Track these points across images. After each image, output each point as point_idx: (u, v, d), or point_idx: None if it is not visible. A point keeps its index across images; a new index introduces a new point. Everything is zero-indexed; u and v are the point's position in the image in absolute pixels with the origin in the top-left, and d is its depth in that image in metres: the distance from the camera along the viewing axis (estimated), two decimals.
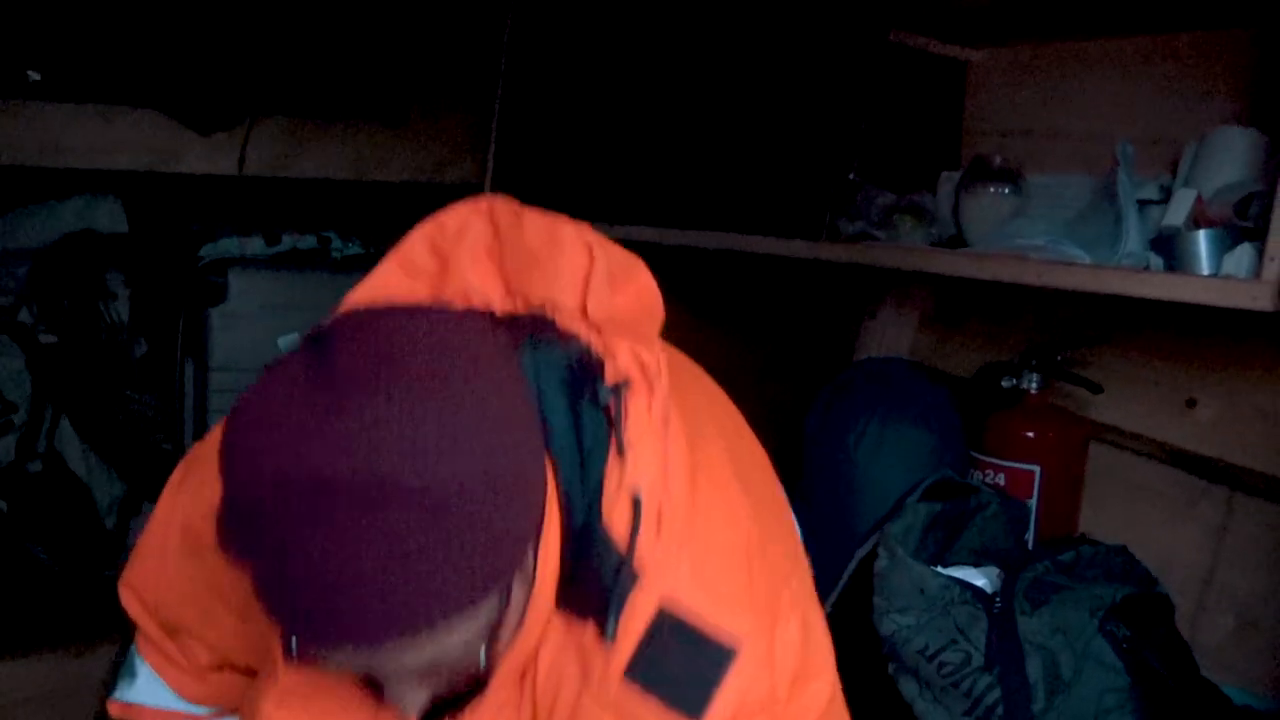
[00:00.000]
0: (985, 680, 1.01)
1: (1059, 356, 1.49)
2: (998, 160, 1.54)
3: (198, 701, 1.07)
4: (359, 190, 2.06)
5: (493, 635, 0.69)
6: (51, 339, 1.98)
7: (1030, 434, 1.45)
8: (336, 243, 2.13)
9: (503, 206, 0.77)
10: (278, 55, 1.84)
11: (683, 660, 0.72)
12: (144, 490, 1.97)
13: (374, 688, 0.76)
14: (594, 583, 0.73)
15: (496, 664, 0.73)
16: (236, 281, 1.93)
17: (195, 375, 1.97)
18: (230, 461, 0.63)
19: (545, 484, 0.71)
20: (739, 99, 1.67)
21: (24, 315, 1.97)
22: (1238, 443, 1.32)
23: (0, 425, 1.90)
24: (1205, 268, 1.20)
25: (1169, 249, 1.27)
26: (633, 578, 0.72)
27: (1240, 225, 1.20)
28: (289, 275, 1.98)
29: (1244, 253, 1.16)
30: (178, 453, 2.00)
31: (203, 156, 1.89)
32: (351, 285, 0.81)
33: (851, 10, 1.59)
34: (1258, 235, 1.14)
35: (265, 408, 0.62)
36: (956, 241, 1.57)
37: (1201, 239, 1.20)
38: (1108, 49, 1.49)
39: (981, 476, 1.46)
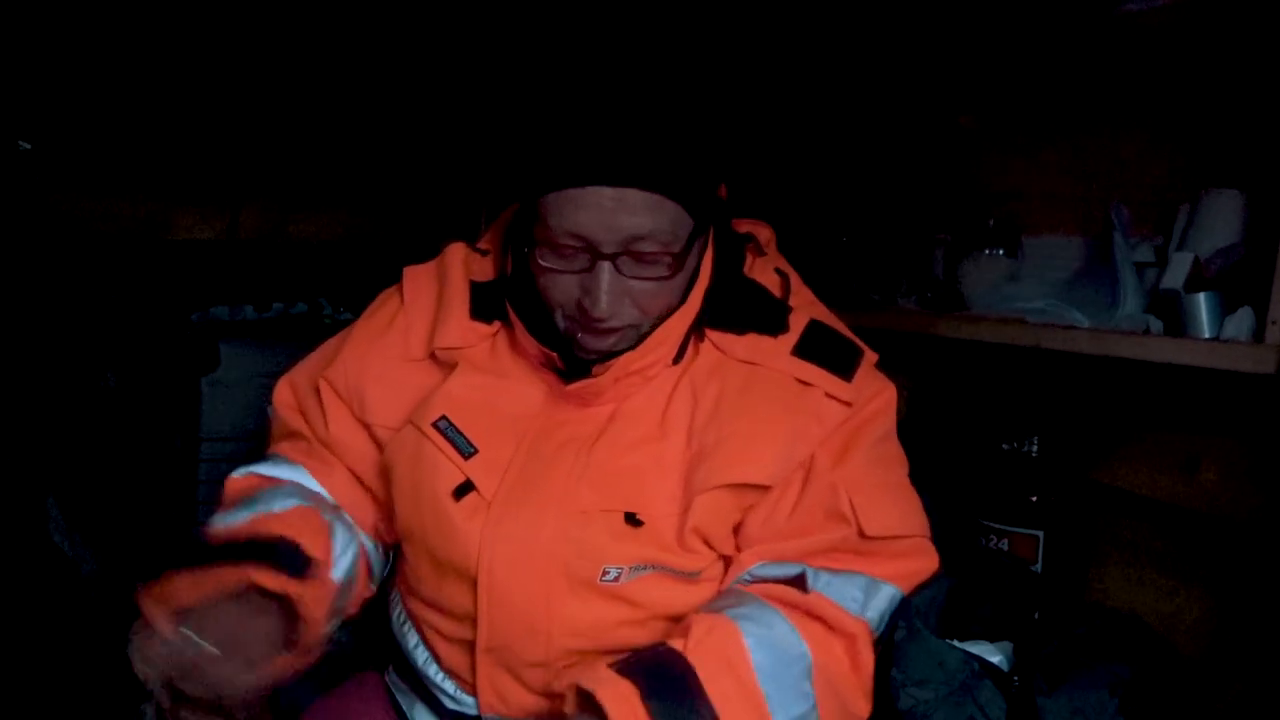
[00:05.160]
0: None
1: (1059, 419, 1.48)
2: (993, 222, 1.55)
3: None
4: (351, 255, 2.06)
5: (676, 266, 0.93)
6: None
7: (1034, 498, 1.44)
8: (328, 309, 2.11)
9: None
10: (266, 137, 1.85)
11: (832, 349, 1.01)
12: (126, 562, 1.93)
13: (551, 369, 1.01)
14: (749, 313, 1.03)
15: (659, 316, 0.97)
16: (227, 349, 1.91)
17: (184, 445, 1.94)
18: None
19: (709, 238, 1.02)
20: None
21: None
22: (1241, 504, 1.30)
23: None
24: (1206, 330, 1.19)
25: (1166, 311, 1.27)
26: (789, 308, 1.04)
27: (1238, 288, 1.20)
28: (280, 342, 1.96)
29: (1244, 315, 1.16)
30: (164, 524, 1.96)
31: (195, 224, 1.88)
32: None
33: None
34: (1254, 297, 1.15)
35: None
36: (951, 304, 1.57)
37: (1202, 302, 1.20)
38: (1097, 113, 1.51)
39: (985, 542, 1.44)
